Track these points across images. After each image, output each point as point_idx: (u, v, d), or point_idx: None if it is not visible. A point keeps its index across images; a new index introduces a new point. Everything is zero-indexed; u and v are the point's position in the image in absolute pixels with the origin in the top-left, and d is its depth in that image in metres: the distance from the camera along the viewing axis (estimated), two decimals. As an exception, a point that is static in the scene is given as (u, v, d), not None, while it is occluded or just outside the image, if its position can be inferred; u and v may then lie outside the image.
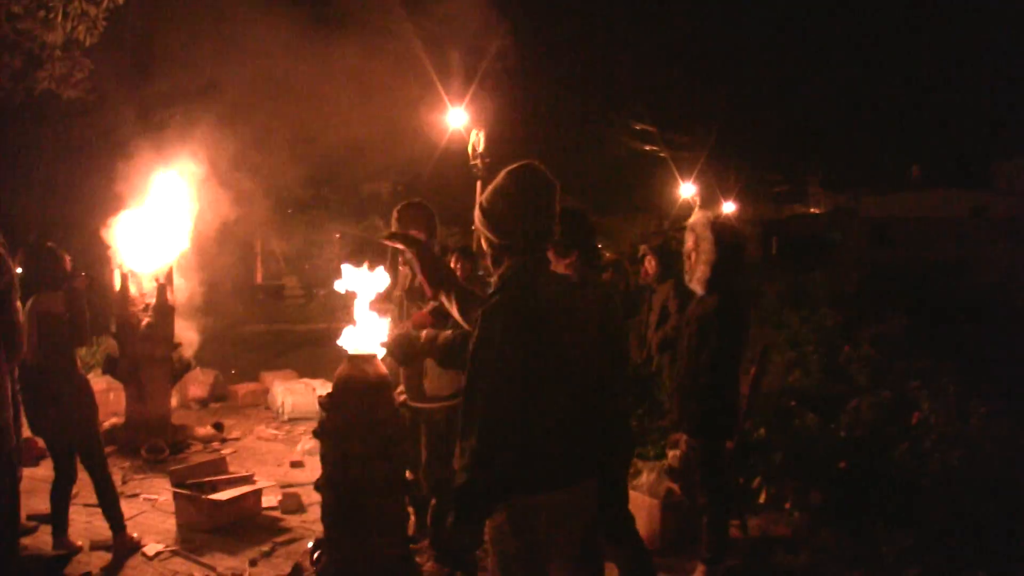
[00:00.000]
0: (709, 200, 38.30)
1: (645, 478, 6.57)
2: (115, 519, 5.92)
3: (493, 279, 3.36)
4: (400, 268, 5.59)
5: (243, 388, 11.06)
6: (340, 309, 18.18)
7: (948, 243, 31.55)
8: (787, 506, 6.70)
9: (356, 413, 4.13)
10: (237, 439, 9.23)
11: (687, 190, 36.86)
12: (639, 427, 7.43)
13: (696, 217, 5.38)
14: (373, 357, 4.24)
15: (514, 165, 3.33)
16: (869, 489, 6.46)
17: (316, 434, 4.27)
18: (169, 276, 8.91)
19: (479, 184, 23.99)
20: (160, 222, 9.01)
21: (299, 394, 10.37)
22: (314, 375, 11.65)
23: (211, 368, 11.19)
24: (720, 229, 5.28)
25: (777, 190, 51.08)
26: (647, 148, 39.39)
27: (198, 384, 10.66)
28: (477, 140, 21.07)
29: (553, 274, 3.40)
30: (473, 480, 3.05)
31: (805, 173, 51.90)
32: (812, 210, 52.84)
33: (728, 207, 36.17)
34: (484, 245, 3.40)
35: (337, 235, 26.07)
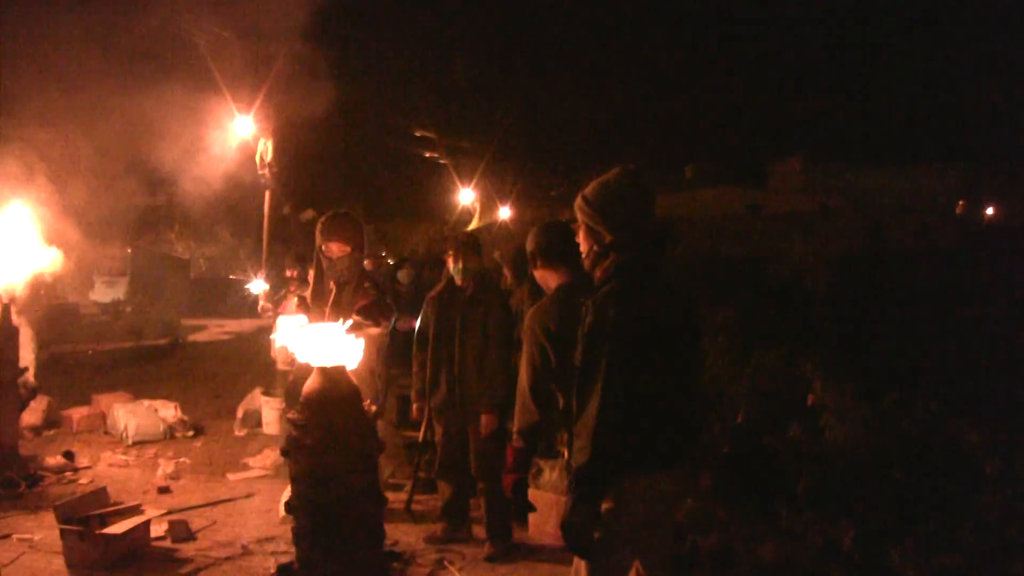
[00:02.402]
0: (488, 205, 38.90)
1: (548, 476, 6.61)
2: None
3: (596, 273, 3.45)
4: (330, 284, 5.34)
5: (77, 413, 10.32)
6: (147, 326, 17.46)
7: (730, 239, 32.95)
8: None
9: (332, 427, 3.91)
10: (89, 467, 8.61)
11: (467, 196, 37.21)
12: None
13: None
14: (343, 369, 4.04)
15: (625, 165, 3.50)
16: (761, 468, 6.69)
17: (285, 453, 4.02)
18: (12, 296, 8.22)
19: (268, 194, 23.35)
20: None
21: (142, 416, 9.81)
22: (147, 395, 11.05)
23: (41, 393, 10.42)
24: None
25: (553, 192, 52.16)
26: (427, 155, 39.65)
27: (29, 411, 9.85)
28: (265, 149, 20.49)
29: (655, 271, 3.49)
30: (594, 459, 3.17)
31: (581, 174, 53.03)
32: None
33: (505, 212, 36.75)
34: (587, 240, 3.49)
35: (128, 249, 24.97)
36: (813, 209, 43.85)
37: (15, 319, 8.20)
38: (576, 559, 3.40)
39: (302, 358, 4.05)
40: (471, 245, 6.38)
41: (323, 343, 4.01)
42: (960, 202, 55.19)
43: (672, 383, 3.39)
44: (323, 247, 5.30)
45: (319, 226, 5.36)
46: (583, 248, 3.53)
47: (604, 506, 3.27)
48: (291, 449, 3.97)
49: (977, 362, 8.04)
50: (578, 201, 3.52)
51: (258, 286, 9.02)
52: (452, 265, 6.35)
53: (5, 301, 8.09)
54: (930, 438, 5.59)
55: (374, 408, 4.36)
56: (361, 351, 4.14)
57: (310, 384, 4.01)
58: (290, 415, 4.03)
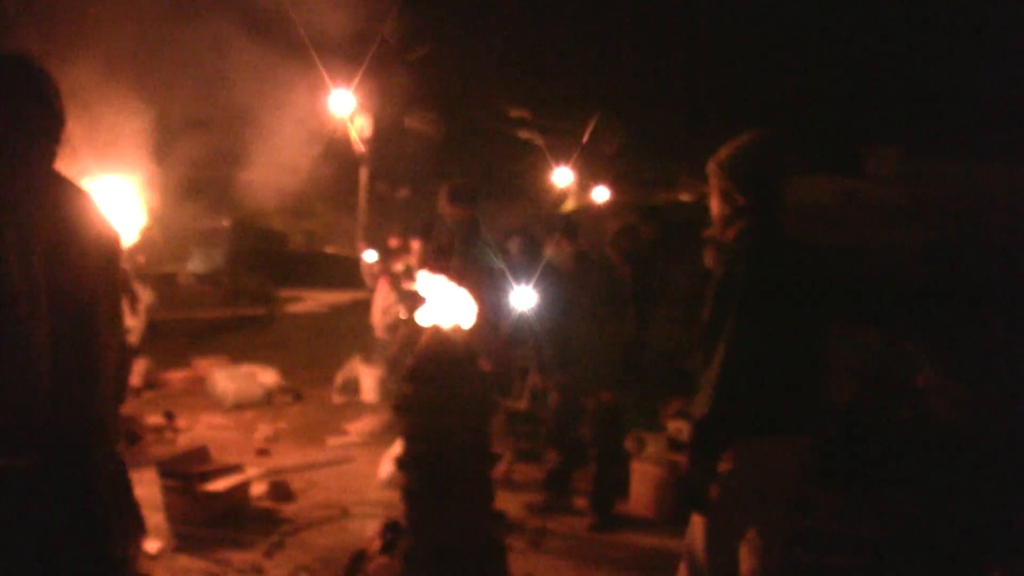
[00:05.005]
0: (583, 186, 38.55)
1: (652, 448, 6.56)
2: None
3: (729, 234, 3.40)
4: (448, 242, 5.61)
5: (177, 375, 10.45)
6: (244, 295, 17.63)
7: (825, 228, 32.34)
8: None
9: (445, 386, 3.83)
10: (188, 429, 8.68)
11: (561, 176, 36.93)
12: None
13: None
14: (458, 328, 3.94)
15: (757, 131, 3.44)
16: (864, 453, 6.54)
17: (398, 410, 3.94)
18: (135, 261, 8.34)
19: (363, 170, 23.37)
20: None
21: (241, 380, 9.89)
22: (245, 361, 11.12)
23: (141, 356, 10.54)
24: None
25: (647, 176, 51.61)
26: (522, 135, 39.44)
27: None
28: (363, 126, 20.53)
29: (785, 235, 3.42)
30: (713, 412, 3.12)
31: (675, 161, 52.39)
32: (682, 196, 53.43)
33: (600, 193, 36.32)
34: (719, 204, 3.43)
35: (225, 222, 25.25)
36: (908, 199, 42.87)
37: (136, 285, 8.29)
38: (694, 516, 3.34)
39: (422, 318, 4.01)
40: (567, 228, 6.54)
41: (438, 300, 3.93)
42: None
43: (798, 347, 3.32)
44: (447, 213, 5.82)
45: (443, 192, 5.79)
46: (714, 212, 3.47)
47: (723, 467, 3.19)
48: (403, 406, 3.89)
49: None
50: (710, 166, 3.45)
51: (370, 256, 9.38)
52: (554, 247, 6.41)
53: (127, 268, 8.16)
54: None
55: (489, 367, 4.29)
56: (475, 311, 4.05)
57: (423, 342, 3.93)
58: (404, 372, 3.95)
